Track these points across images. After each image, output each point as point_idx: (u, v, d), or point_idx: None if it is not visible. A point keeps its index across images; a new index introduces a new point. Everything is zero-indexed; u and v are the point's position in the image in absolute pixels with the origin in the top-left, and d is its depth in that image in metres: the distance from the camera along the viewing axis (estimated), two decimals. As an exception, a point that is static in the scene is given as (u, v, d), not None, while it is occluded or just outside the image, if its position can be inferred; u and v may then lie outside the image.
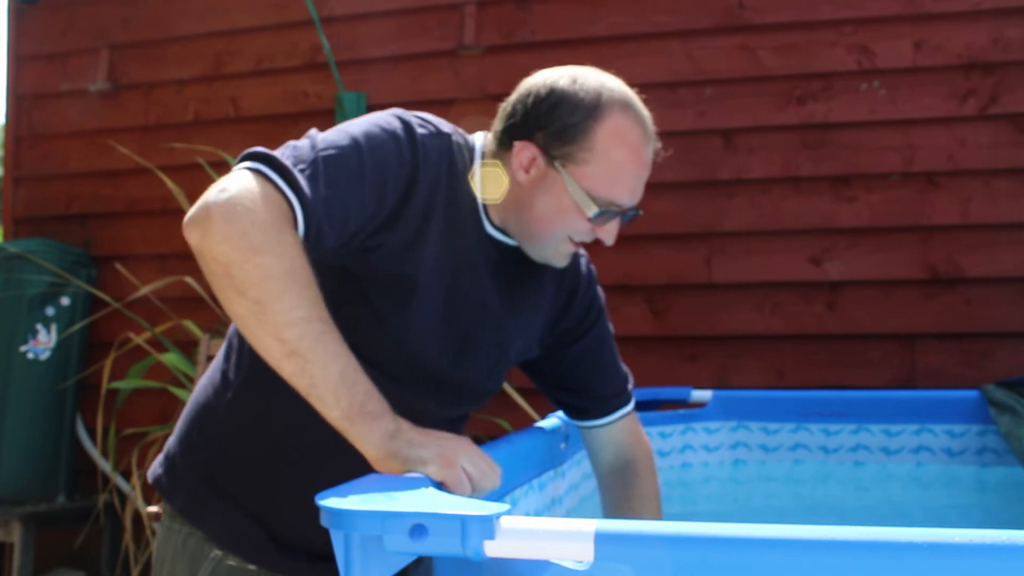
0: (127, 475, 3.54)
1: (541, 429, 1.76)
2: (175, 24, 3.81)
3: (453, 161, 1.44)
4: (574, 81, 1.44)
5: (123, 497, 3.55)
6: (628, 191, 1.46)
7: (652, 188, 3.64)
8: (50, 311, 3.65)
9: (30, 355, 3.62)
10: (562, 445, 1.83)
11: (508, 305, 1.53)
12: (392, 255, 1.37)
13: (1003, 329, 2.93)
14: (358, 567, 0.96)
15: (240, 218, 1.17)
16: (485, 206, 1.49)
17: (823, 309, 3.06)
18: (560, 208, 1.43)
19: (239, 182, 1.21)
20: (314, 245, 1.26)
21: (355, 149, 1.33)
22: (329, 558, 1.43)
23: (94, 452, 3.66)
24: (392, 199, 1.35)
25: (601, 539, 0.88)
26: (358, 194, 1.31)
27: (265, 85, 3.62)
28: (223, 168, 3.10)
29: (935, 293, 2.99)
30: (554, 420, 1.82)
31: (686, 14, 3.22)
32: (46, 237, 3.77)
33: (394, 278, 1.38)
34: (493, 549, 0.90)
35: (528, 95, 1.46)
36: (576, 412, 1.74)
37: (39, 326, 3.63)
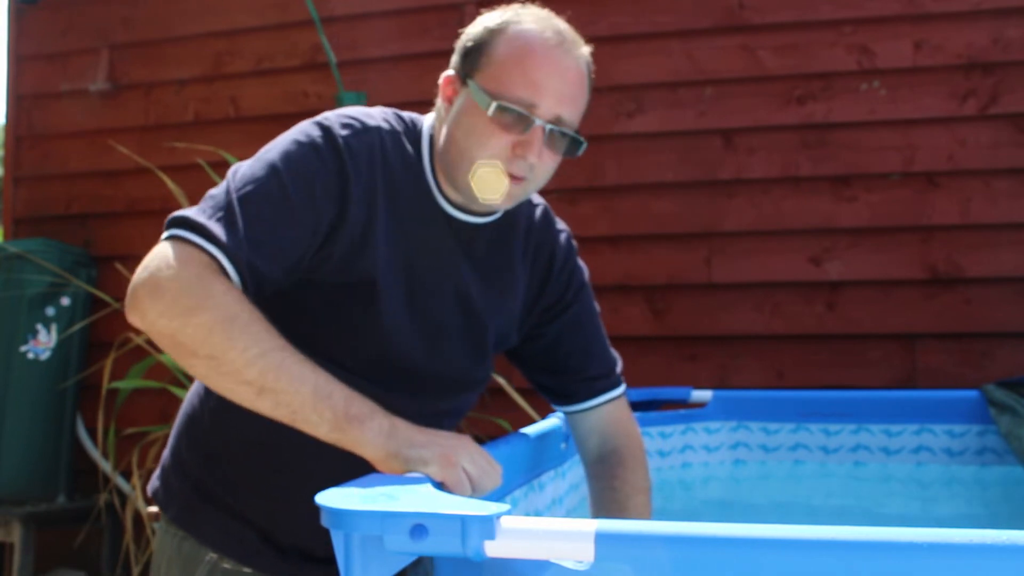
0: (127, 475, 3.54)
1: (541, 429, 1.76)
2: (175, 24, 3.81)
3: (387, 153, 1.41)
4: (492, 11, 1.44)
5: (123, 497, 3.55)
6: (532, 87, 1.36)
7: (652, 188, 3.66)
8: (50, 311, 3.65)
9: (30, 355, 3.62)
10: (562, 445, 1.83)
11: (480, 289, 1.50)
12: (343, 262, 1.36)
13: (1003, 329, 2.93)
14: (358, 567, 0.96)
15: (165, 289, 1.20)
16: (439, 185, 1.46)
17: (823, 309, 3.06)
18: (470, 122, 1.38)
19: (156, 256, 1.24)
20: (256, 283, 1.28)
21: (274, 176, 1.32)
22: (324, 560, 1.44)
23: (94, 452, 3.66)
24: (328, 211, 1.33)
25: (601, 539, 0.88)
26: (288, 220, 1.30)
27: (265, 85, 3.62)
28: (223, 168, 3.10)
29: (935, 293, 2.99)
30: (554, 420, 1.82)
31: (686, 14, 3.22)
32: (46, 237, 3.77)
33: (352, 283, 1.37)
34: (493, 549, 0.90)
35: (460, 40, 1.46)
36: (559, 396, 1.68)
37: (39, 326, 3.63)
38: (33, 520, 3.46)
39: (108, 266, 3.72)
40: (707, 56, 3.20)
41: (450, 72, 1.45)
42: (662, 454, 2.27)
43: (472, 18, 3.94)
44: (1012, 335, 2.92)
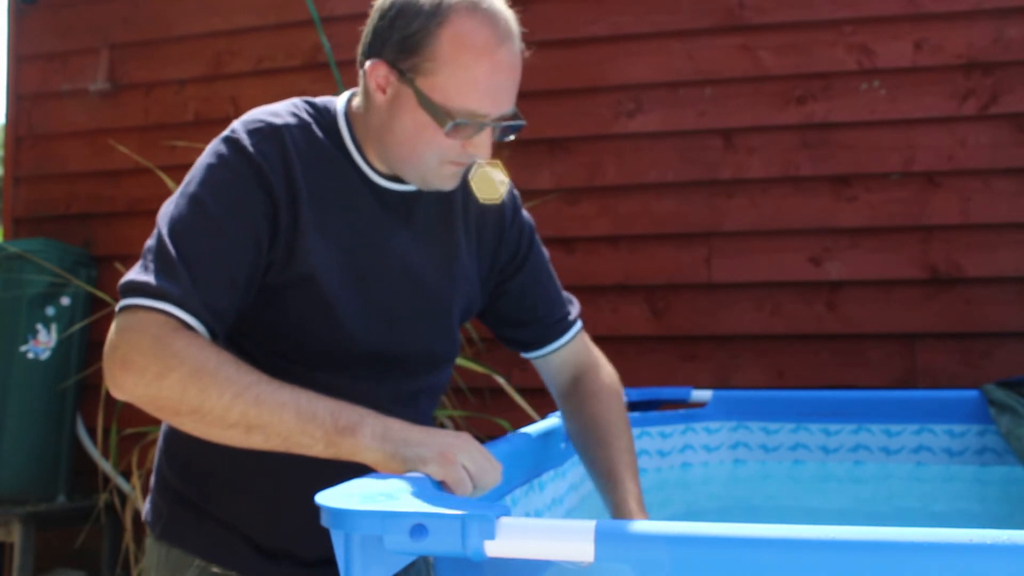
0: (127, 475, 3.54)
1: (541, 429, 1.76)
2: (175, 24, 3.81)
3: (300, 148, 1.39)
4: None
5: (123, 497, 3.55)
6: (487, 98, 1.33)
7: (652, 188, 3.65)
8: (50, 311, 3.65)
9: (30, 355, 3.62)
10: (562, 445, 1.83)
11: (426, 258, 1.48)
12: (281, 266, 1.36)
13: (1003, 329, 2.93)
14: (358, 567, 0.96)
15: (131, 361, 1.22)
16: (366, 157, 1.44)
17: (823, 309, 3.07)
18: (418, 126, 1.34)
19: (116, 331, 1.26)
20: (220, 320, 1.29)
21: (199, 208, 1.32)
22: (312, 564, 1.44)
23: (94, 452, 3.66)
24: (261, 222, 1.33)
25: (601, 539, 0.88)
26: (227, 246, 1.31)
27: (265, 85, 3.62)
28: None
29: (935, 293, 2.99)
30: (554, 420, 1.82)
31: (686, 14, 3.22)
32: (46, 237, 3.77)
33: (294, 282, 1.37)
34: (493, 549, 0.90)
35: (376, 11, 1.39)
36: (529, 346, 1.68)
37: (39, 326, 3.63)
38: (33, 520, 3.46)
39: (108, 266, 3.72)
40: (707, 56, 3.20)
41: (378, 60, 1.36)
42: (662, 454, 2.27)
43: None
44: (1012, 335, 2.92)
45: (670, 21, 3.24)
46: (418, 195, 1.47)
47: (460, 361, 3.10)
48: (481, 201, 1.65)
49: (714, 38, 3.20)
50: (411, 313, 1.47)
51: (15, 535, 3.41)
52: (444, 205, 1.51)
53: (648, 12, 3.25)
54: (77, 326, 3.67)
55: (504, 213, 1.60)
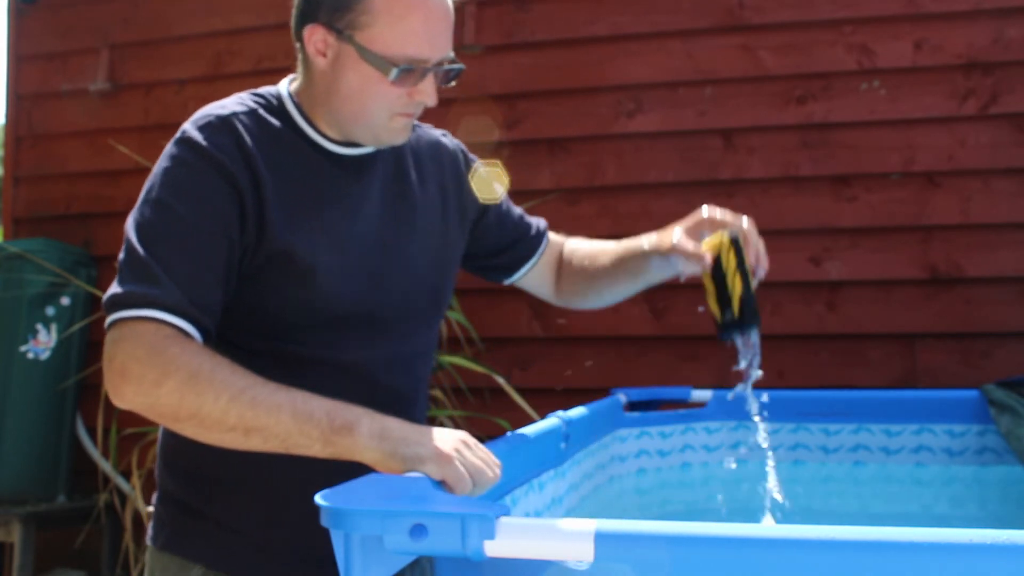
0: (127, 475, 3.54)
1: (541, 429, 1.76)
2: (175, 24, 3.81)
3: (252, 131, 1.41)
4: None
5: (123, 497, 3.55)
6: (426, 43, 1.38)
7: (652, 188, 3.64)
8: (50, 311, 3.65)
9: (30, 355, 3.62)
10: (562, 445, 1.83)
11: (395, 215, 1.51)
12: (256, 248, 1.37)
13: (1003, 329, 2.93)
14: (358, 567, 0.96)
15: (128, 371, 1.24)
16: (318, 129, 1.46)
17: (823, 309, 3.06)
18: (363, 80, 1.39)
19: (110, 343, 1.27)
20: (207, 315, 1.31)
21: (166, 211, 1.33)
22: (312, 564, 1.44)
23: (94, 452, 3.66)
24: (231, 213, 1.35)
25: (601, 539, 0.88)
26: (202, 243, 1.32)
27: (265, 85, 3.61)
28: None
29: (935, 293, 2.99)
30: (554, 420, 1.82)
31: (686, 14, 3.22)
32: (46, 237, 3.77)
33: (272, 261, 1.38)
34: (493, 549, 0.90)
35: None
36: (513, 269, 1.77)
37: (39, 326, 3.63)
38: (33, 520, 3.46)
39: (108, 266, 3.72)
40: (707, 56, 3.20)
41: (314, 24, 1.41)
42: (662, 454, 2.27)
43: (472, 18, 3.94)
44: (1012, 335, 2.92)
45: (670, 21, 3.24)
46: (373, 156, 1.50)
47: (460, 361, 3.10)
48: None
49: (714, 38, 3.20)
50: (388, 271, 1.49)
51: (15, 535, 3.41)
52: (398, 164, 1.55)
53: (648, 12, 3.25)
54: (77, 326, 3.67)
55: (458, 163, 1.65)
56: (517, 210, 1.77)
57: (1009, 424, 2.16)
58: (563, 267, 1.82)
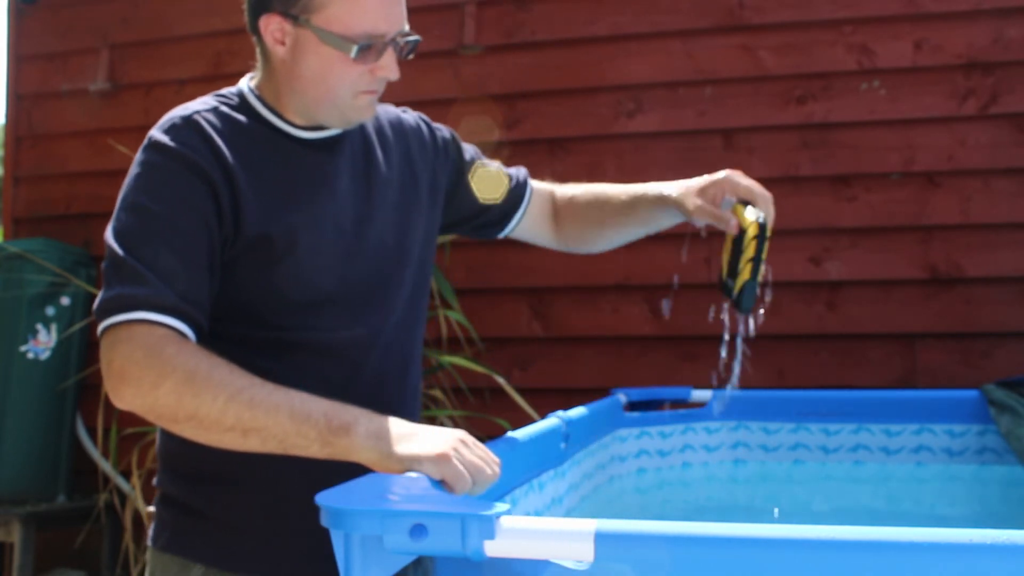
0: (127, 475, 3.54)
1: (541, 429, 1.76)
2: (175, 24, 3.81)
3: (217, 127, 1.42)
4: None
5: (123, 497, 3.55)
6: (382, 18, 1.40)
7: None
8: (50, 311, 3.65)
9: (30, 355, 3.62)
10: (562, 445, 1.83)
11: (366, 193, 1.52)
12: (234, 238, 1.39)
13: (1003, 329, 2.93)
14: (358, 567, 0.96)
15: (127, 374, 1.25)
16: (281, 116, 1.47)
17: (823, 309, 3.06)
18: (325, 62, 1.41)
19: (107, 347, 1.28)
20: (198, 311, 1.32)
21: (143, 213, 1.35)
22: (312, 564, 1.43)
23: (94, 452, 3.66)
24: (208, 207, 1.36)
25: (601, 539, 0.88)
26: (183, 239, 1.33)
27: (265, 85, 3.62)
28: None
29: (935, 293, 2.99)
30: (554, 420, 1.82)
31: (686, 14, 3.22)
32: (46, 237, 3.77)
33: (252, 248, 1.39)
34: (493, 549, 0.90)
35: None
36: (503, 222, 1.78)
37: (39, 326, 3.63)
38: (33, 520, 3.46)
39: (108, 266, 3.72)
40: (707, 56, 3.20)
41: (269, 14, 1.42)
42: (662, 454, 2.27)
43: (472, 18, 3.94)
44: (1012, 335, 2.92)
45: (670, 21, 3.24)
46: (340, 138, 1.52)
47: (460, 361, 3.10)
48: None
49: (714, 38, 3.20)
50: (363, 246, 1.50)
51: (15, 535, 3.41)
52: (365, 143, 1.56)
53: (648, 12, 3.25)
54: (77, 326, 3.67)
55: (421, 134, 1.66)
56: (494, 164, 1.78)
57: (1009, 424, 2.16)
58: (560, 213, 1.83)
